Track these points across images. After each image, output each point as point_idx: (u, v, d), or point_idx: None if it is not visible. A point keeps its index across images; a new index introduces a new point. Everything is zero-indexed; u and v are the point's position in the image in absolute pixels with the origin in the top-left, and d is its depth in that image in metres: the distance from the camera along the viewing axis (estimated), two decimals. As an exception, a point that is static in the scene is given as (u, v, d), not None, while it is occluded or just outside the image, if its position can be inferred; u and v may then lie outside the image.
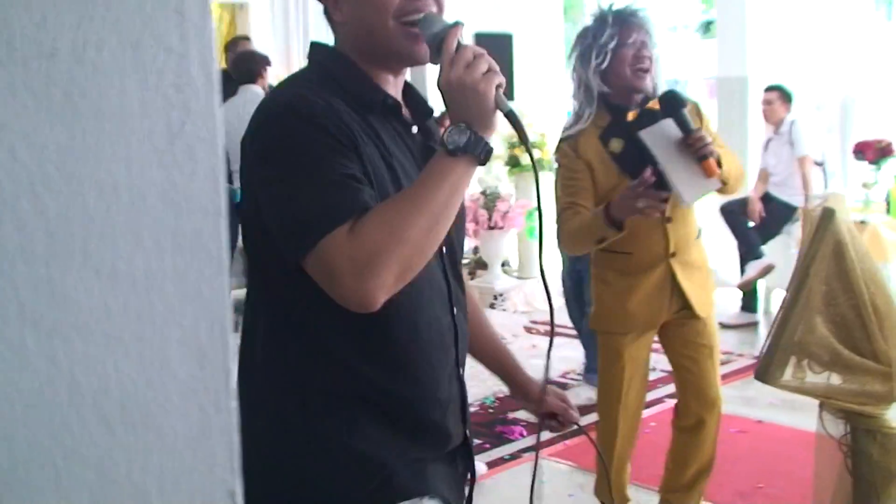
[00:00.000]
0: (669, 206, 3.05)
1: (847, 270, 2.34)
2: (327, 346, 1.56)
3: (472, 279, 7.86)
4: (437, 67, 1.51)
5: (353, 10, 1.60)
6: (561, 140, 3.27)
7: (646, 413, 3.64)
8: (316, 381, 1.57)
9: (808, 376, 2.63)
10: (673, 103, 3.06)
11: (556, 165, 3.32)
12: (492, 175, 7.69)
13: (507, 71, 9.34)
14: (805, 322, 2.38)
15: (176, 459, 0.68)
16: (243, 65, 5.98)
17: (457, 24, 1.53)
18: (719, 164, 3.01)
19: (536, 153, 7.37)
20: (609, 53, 3.09)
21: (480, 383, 5.59)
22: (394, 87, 1.67)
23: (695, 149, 2.97)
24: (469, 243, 8.12)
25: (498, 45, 9.26)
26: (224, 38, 8.66)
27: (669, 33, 12.87)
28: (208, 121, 0.66)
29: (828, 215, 2.30)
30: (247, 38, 7.23)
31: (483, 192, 7.47)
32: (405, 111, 1.68)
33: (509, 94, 8.69)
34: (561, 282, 5.54)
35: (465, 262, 7.68)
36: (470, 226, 7.52)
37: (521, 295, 7.60)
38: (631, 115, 3.16)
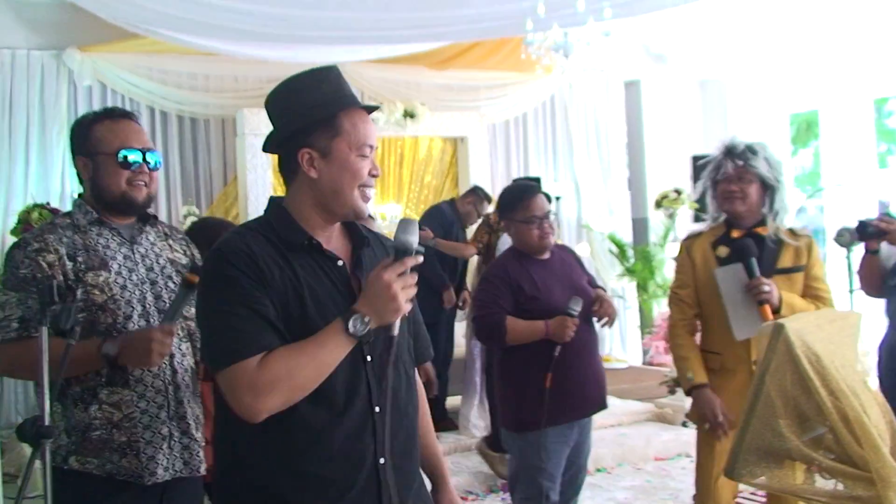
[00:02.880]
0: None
1: (804, 380, 2.53)
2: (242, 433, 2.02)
3: (668, 396, 7.91)
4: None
5: (329, 172, 2.07)
6: (683, 239, 3.91)
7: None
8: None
9: (818, 481, 2.79)
10: (742, 252, 3.55)
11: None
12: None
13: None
14: (770, 427, 2.57)
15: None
16: None
17: (420, 255, 1.99)
18: (776, 311, 3.42)
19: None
20: (707, 187, 3.74)
21: None
22: (324, 232, 2.13)
23: (752, 294, 3.44)
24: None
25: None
26: (446, 168, 9.60)
27: None
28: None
29: (777, 330, 2.53)
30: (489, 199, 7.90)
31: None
32: (331, 248, 2.11)
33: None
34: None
35: (664, 380, 7.81)
36: (661, 343, 7.72)
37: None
38: (735, 234, 3.67)
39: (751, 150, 3.60)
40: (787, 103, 10.51)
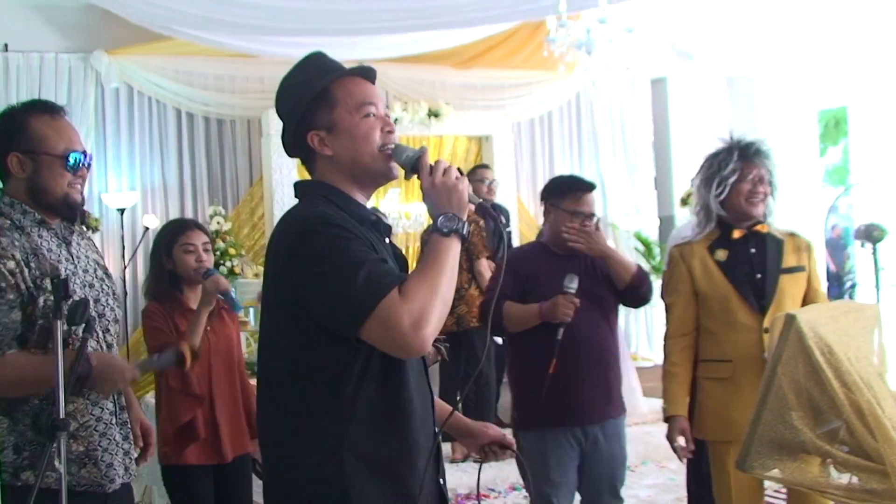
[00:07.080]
0: (769, 316, 3.35)
1: (817, 372, 2.51)
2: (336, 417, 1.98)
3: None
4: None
5: (341, 144, 2.08)
6: (673, 247, 3.71)
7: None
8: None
9: (832, 474, 2.77)
10: None
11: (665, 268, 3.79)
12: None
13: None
14: (783, 419, 2.55)
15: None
16: None
17: (424, 149, 2.09)
18: None
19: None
20: (728, 187, 3.50)
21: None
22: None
23: None
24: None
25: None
26: (472, 167, 9.61)
27: None
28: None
29: (789, 321, 2.51)
30: (486, 167, 7.98)
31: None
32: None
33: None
34: None
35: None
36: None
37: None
38: (737, 234, 3.54)
39: (767, 151, 3.52)
40: (815, 100, 10.41)
